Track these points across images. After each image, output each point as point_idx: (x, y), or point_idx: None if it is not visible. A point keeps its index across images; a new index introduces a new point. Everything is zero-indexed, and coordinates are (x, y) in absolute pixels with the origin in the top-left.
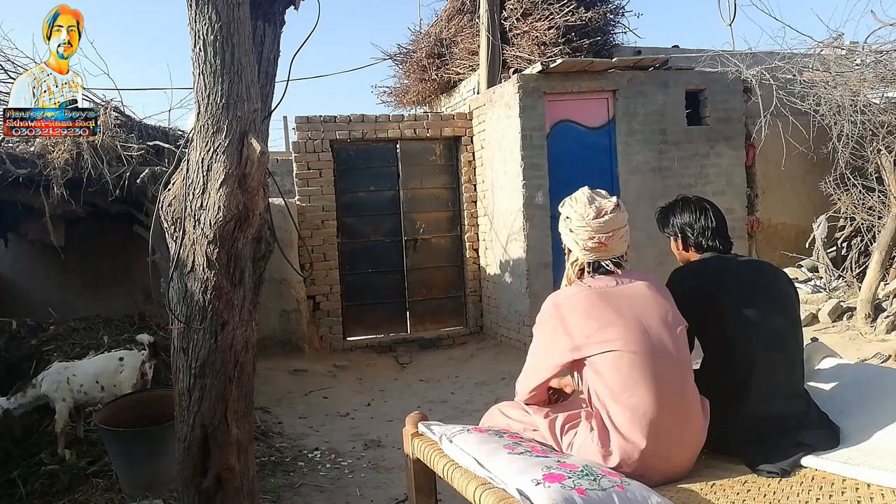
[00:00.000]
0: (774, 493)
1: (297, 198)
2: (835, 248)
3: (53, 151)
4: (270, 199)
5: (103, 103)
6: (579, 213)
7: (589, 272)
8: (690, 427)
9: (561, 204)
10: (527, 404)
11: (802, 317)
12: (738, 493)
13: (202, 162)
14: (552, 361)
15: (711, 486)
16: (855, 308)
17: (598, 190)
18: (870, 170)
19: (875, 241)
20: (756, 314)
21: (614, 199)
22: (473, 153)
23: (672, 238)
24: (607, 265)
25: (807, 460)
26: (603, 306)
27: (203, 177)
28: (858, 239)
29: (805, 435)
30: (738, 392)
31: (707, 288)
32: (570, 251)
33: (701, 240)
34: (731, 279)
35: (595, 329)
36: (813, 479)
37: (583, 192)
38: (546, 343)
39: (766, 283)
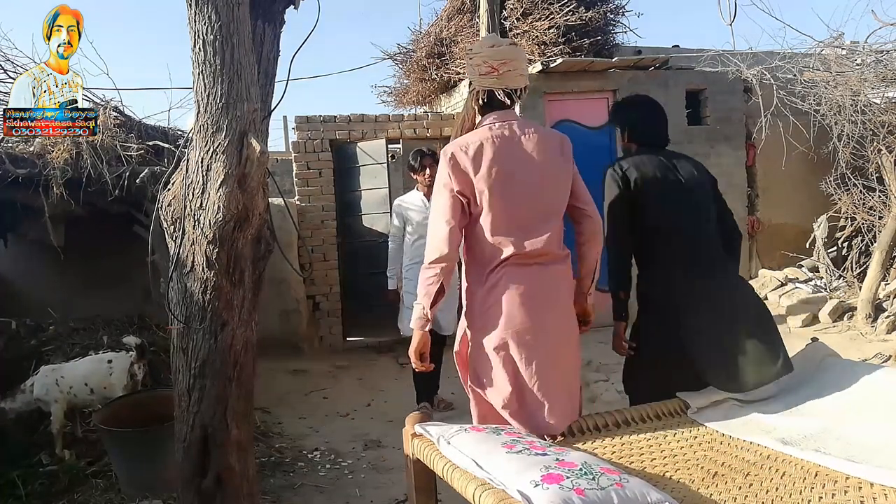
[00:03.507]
0: (777, 489)
1: (296, 198)
2: (835, 248)
3: (53, 151)
4: (270, 199)
5: (103, 103)
6: (478, 45)
7: (484, 101)
8: (553, 247)
9: None
10: (436, 264)
11: (803, 317)
12: (739, 488)
13: (202, 162)
14: (450, 195)
15: (713, 478)
16: (856, 308)
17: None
18: (870, 170)
19: (876, 241)
20: (673, 190)
21: (513, 42)
22: None
23: (619, 130)
24: (499, 94)
25: (809, 456)
26: (488, 155)
27: (203, 177)
28: (859, 239)
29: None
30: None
31: (634, 178)
32: (470, 84)
33: (639, 134)
34: (651, 166)
35: (480, 177)
36: (816, 475)
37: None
38: (442, 183)
39: (683, 167)
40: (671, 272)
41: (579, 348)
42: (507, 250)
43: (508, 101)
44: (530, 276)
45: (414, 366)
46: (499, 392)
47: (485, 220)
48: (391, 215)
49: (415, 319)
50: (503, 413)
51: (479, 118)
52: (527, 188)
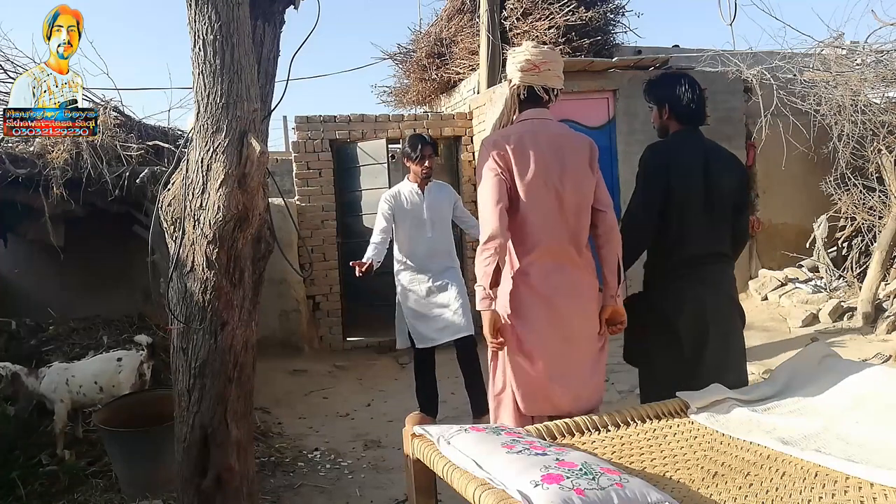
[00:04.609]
0: (777, 489)
1: (296, 198)
2: (835, 248)
3: (53, 151)
4: (270, 199)
5: (103, 103)
6: (522, 48)
7: (523, 95)
8: (580, 242)
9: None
10: (489, 243)
11: (803, 317)
12: (739, 488)
13: (202, 162)
14: (497, 179)
15: (713, 478)
16: (855, 308)
17: None
18: (870, 170)
19: (876, 241)
20: (697, 188)
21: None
22: (473, 153)
23: (656, 107)
24: (538, 90)
25: (809, 456)
26: (528, 147)
27: (203, 177)
28: (859, 239)
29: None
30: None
31: (668, 167)
32: (510, 81)
33: (681, 111)
34: (688, 160)
35: (521, 166)
36: (816, 475)
37: None
38: (489, 168)
39: (714, 165)
40: (668, 271)
41: (597, 342)
42: (536, 242)
43: (546, 97)
44: (558, 270)
45: (490, 344)
46: (537, 368)
47: (519, 209)
48: (378, 213)
49: (479, 301)
50: (545, 380)
51: (516, 114)
52: (551, 185)
